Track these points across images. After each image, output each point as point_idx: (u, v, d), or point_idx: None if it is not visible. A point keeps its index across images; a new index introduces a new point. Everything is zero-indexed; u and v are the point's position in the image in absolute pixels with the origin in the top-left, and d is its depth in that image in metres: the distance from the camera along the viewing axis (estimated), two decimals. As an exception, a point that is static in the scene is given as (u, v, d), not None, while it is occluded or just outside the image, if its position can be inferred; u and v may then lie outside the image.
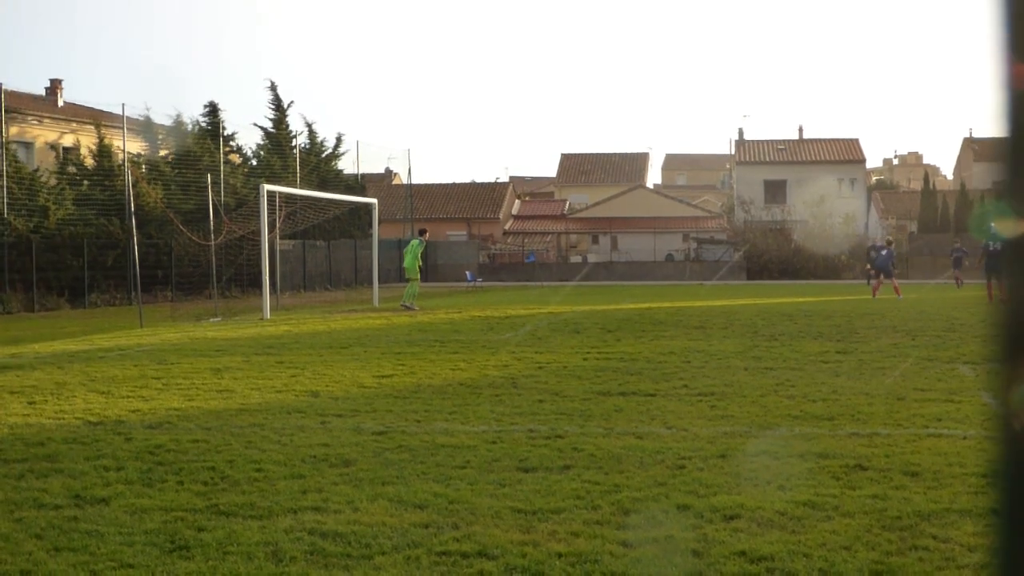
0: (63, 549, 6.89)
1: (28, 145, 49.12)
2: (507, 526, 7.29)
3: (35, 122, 50.62)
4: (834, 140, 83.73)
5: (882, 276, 39.49)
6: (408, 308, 33.96)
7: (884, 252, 40.33)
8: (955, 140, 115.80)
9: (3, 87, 42.07)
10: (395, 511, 7.72)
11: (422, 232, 36.85)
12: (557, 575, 6.21)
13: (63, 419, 12.26)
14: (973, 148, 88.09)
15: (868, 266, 48.71)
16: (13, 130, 45.17)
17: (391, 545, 6.86)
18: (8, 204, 39.74)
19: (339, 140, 64.12)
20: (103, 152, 46.59)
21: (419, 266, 35.04)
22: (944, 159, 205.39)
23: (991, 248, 34.73)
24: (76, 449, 10.32)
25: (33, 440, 10.85)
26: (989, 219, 38.72)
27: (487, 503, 7.90)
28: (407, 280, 35.27)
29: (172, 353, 20.23)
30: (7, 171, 39.96)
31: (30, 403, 13.63)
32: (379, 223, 44.86)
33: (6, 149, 40.57)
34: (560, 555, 6.58)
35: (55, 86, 56.88)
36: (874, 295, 38.40)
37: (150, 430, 11.44)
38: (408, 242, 37.40)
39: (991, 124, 1.18)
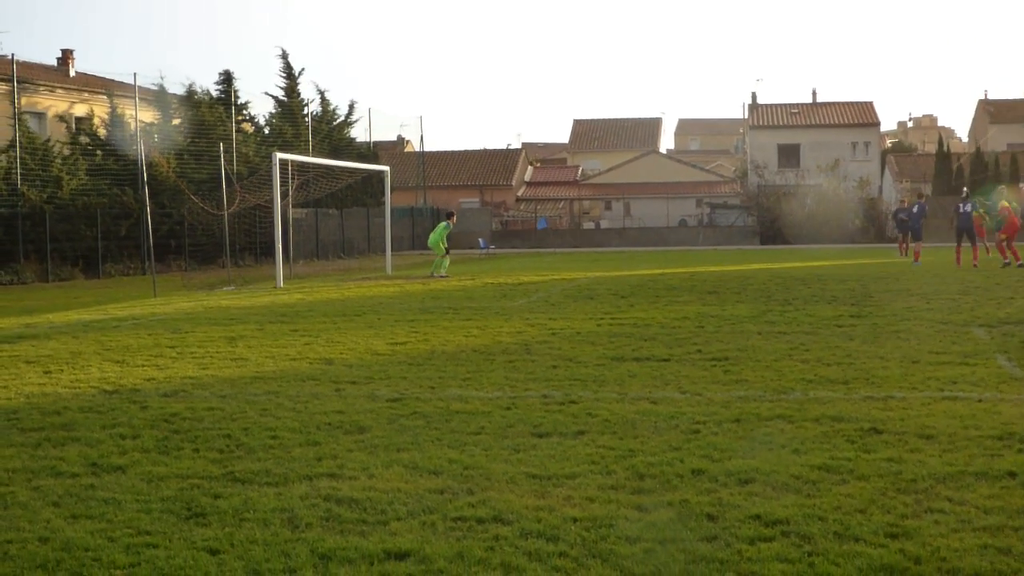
0: (80, 517, 6.92)
1: (40, 115, 49.11)
2: (522, 491, 7.30)
3: (47, 92, 50.60)
4: (848, 103, 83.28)
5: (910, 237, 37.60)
6: (433, 276, 34.28)
7: (916, 210, 38.27)
8: (970, 102, 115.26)
9: (15, 57, 42.08)
10: (410, 477, 7.74)
11: (449, 215, 37.43)
12: (572, 540, 6.22)
13: (79, 388, 12.31)
14: (988, 110, 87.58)
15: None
16: (25, 100, 45.15)
17: (406, 511, 6.88)
18: (21, 175, 39.78)
19: (351, 108, 64.00)
20: (115, 122, 46.58)
21: (443, 245, 35.30)
22: (959, 121, 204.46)
23: (961, 210, 34.25)
24: (92, 418, 10.37)
25: (49, 409, 10.89)
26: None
27: (502, 469, 7.91)
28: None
29: (186, 322, 20.28)
30: (20, 141, 39.98)
31: (46, 372, 13.69)
32: (391, 191, 44.83)
33: (19, 119, 40.57)
34: (575, 520, 6.59)
35: (66, 56, 56.81)
36: (903, 253, 36.97)
37: (165, 398, 11.48)
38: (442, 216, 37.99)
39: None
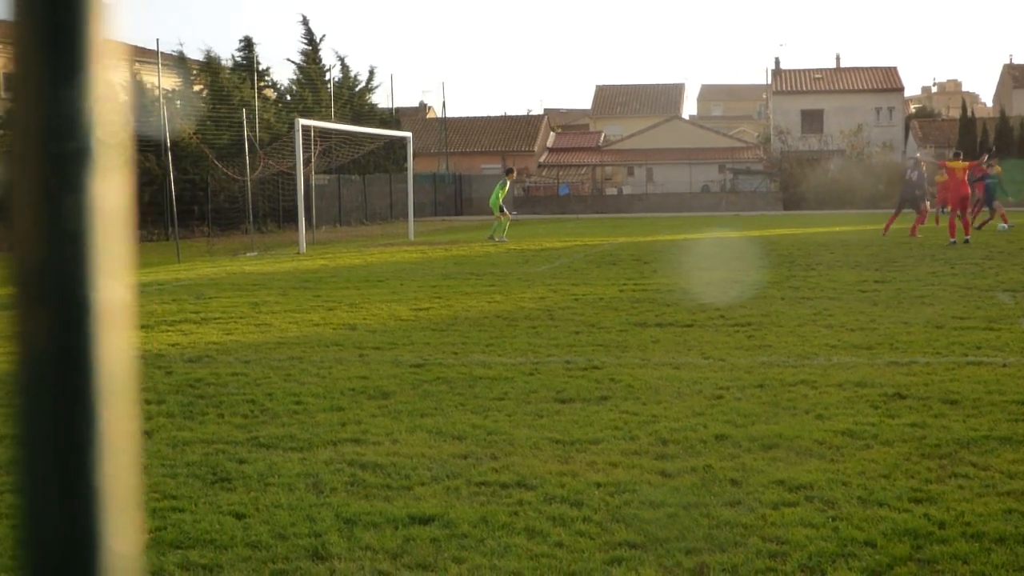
0: (107, 481, 6.97)
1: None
2: (545, 457, 7.32)
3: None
4: (872, 68, 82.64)
5: (923, 206, 33.12)
6: (493, 239, 34.23)
7: (915, 177, 33.30)
8: (995, 67, 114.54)
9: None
10: (434, 442, 7.76)
11: (508, 171, 37.08)
12: (596, 504, 6.23)
13: (104, 354, 12.36)
14: (1013, 75, 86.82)
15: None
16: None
17: (430, 476, 6.91)
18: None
19: (372, 74, 63.82)
20: (136, 88, 46.56)
21: (499, 204, 35.16)
22: (984, 86, 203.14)
23: (908, 176, 32.38)
24: (117, 383, 10.41)
25: (75, 375, 10.94)
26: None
27: (525, 434, 7.93)
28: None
29: (210, 288, 20.35)
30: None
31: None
32: (414, 157, 44.78)
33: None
34: (599, 485, 6.61)
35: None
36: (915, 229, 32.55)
37: (190, 364, 11.53)
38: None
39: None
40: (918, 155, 39.64)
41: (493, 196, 35.71)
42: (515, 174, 37.39)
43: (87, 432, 0.78)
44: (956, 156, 31.73)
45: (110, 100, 0.79)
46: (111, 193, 0.79)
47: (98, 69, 0.78)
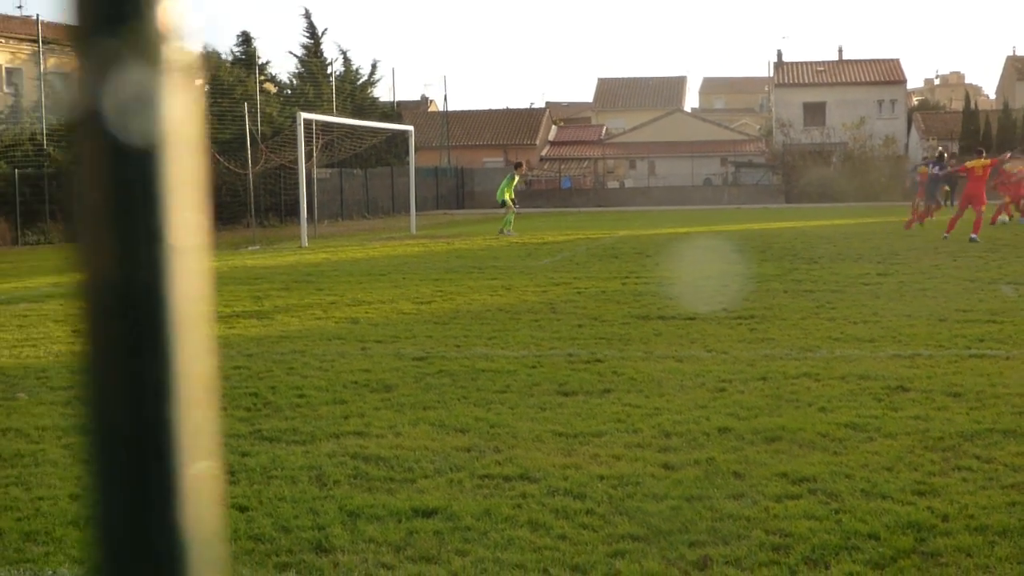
0: (110, 474, 6.96)
1: (67, 76, 49.07)
2: (548, 449, 7.32)
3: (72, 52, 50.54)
4: (874, 61, 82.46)
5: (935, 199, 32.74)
6: (502, 232, 34.13)
7: (937, 169, 32.86)
8: (998, 59, 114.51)
9: (40, 17, 42.12)
10: (437, 435, 7.76)
11: (517, 165, 37.98)
12: (599, 497, 6.23)
13: (107, 347, 12.35)
14: (1016, 67, 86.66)
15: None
16: (51, 61, 45.22)
17: (433, 469, 6.90)
18: (47, 135, 39.86)
19: (374, 67, 63.81)
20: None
21: (508, 197, 34.99)
22: (987, 78, 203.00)
23: (932, 172, 31.76)
24: (120, 377, 10.40)
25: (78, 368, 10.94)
26: None
27: (528, 427, 7.93)
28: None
29: (212, 281, 20.30)
30: (45, 102, 40.04)
31: (74, 331, 13.74)
32: (415, 150, 44.74)
33: (44, 80, 40.62)
34: (602, 477, 6.61)
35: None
36: (921, 221, 32.27)
37: (193, 357, 11.50)
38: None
39: None
40: (940, 148, 39.52)
41: (499, 189, 35.73)
42: (524, 168, 37.44)
43: (159, 373, 0.75)
44: (979, 154, 30.62)
45: (177, 21, 0.76)
46: (183, 111, 0.76)
47: None
